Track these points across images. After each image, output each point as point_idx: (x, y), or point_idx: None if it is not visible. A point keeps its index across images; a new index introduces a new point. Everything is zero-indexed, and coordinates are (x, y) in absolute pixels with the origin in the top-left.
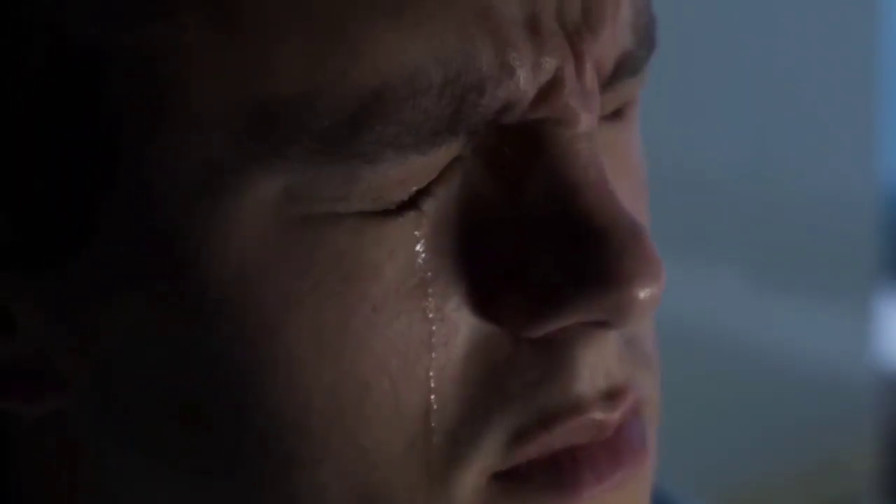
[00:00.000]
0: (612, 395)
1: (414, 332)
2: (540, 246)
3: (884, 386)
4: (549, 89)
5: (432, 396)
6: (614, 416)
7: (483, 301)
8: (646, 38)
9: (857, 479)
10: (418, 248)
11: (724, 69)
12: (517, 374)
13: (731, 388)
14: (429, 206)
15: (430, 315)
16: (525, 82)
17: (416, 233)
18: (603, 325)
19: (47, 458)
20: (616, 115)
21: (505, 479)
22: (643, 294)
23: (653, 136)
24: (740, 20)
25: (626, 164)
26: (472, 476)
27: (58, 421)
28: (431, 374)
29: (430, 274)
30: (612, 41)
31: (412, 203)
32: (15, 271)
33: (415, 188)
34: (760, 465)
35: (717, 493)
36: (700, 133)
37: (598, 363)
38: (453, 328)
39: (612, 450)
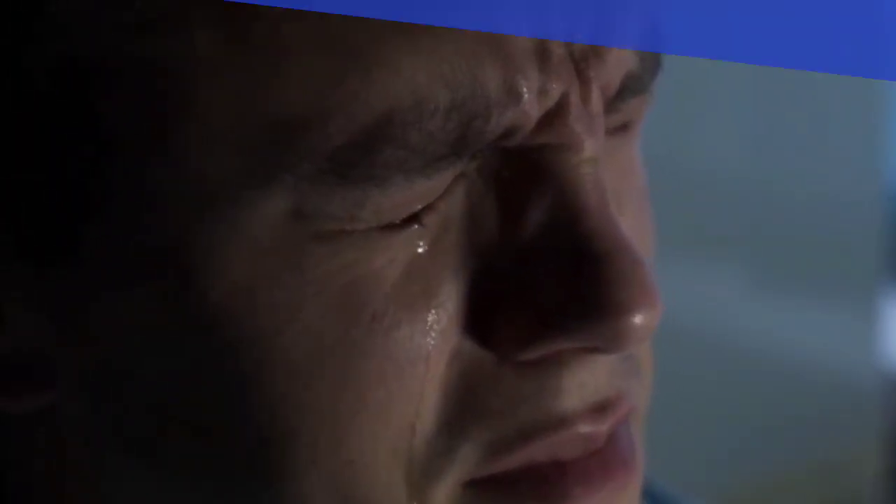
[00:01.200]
0: (601, 408)
1: (414, 343)
2: (539, 270)
3: (888, 387)
4: (555, 115)
5: (420, 409)
6: (603, 427)
7: (475, 318)
8: (650, 58)
9: (860, 480)
10: (420, 253)
11: (725, 69)
12: (498, 391)
13: (733, 388)
14: (431, 219)
15: (430, 327)
16: (530, 108)
17: (418, 244)
18: (597, 350)
19: (40, 457)
20: (620, 128)
21: (482, 485)
22: (639, 322)
23: (654, 136)
24: None
25: (628, 174)
26: (448, 487)
27: (49, 420)
28: (424, 386)
29: (430, 284)
30: (617, 63)
31: (415, 217)
32: (5, 268)
33: (419, 206)
34: (763, 466)
35: (717, 493)
36: (702, 133)
37: (588, 380)
38: (447, 341)
39: (602, 461)
